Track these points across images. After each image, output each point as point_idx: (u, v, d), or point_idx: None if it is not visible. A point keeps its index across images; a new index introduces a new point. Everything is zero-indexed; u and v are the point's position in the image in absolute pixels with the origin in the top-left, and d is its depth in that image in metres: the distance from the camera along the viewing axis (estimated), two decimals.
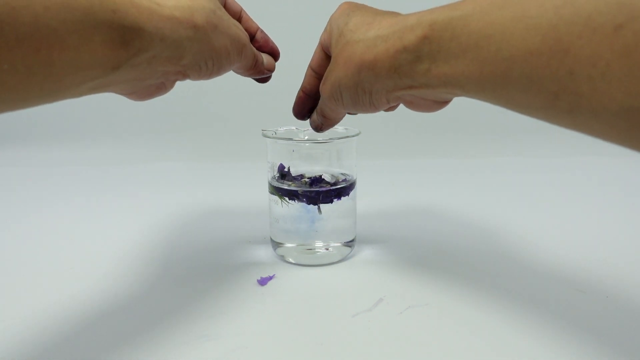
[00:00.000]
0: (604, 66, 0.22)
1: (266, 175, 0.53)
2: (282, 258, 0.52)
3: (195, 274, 0.49)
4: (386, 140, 1.05)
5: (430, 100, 0.37)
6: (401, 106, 0.40)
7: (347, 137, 0.50)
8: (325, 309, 0.42)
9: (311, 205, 0.49)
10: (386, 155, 1.00)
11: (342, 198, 0.50)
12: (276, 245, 0.52)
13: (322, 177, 0.51)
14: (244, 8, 0.45)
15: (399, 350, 0.37)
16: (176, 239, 0.58)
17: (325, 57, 0.43)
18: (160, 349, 0.37)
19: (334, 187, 0.49)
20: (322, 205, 0.49)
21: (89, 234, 0.61)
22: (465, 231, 0.61)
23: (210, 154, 1.01)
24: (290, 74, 1.07)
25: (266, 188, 0.53)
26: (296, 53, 1.14)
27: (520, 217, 0.66)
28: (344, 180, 0.51)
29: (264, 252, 0.54)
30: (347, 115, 0.44)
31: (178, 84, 0.40)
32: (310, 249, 0.51)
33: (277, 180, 0.51)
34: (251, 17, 0.45)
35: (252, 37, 0.46)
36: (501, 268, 0.50)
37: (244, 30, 0.41)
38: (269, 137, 0.50)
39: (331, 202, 0.49)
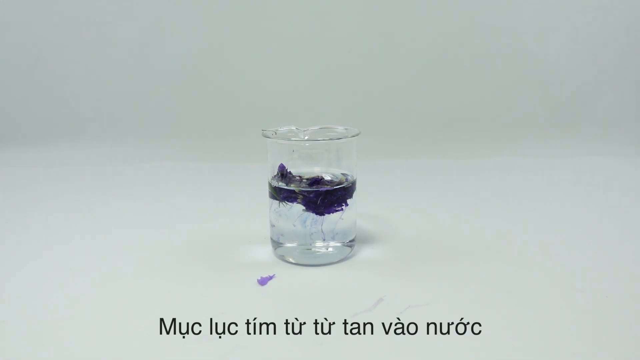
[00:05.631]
0: None
1: (266, 175, 0.53)
2: (282, 258, 0.52)
3: (195, 273, 0.49)
4: (386, 140, 1.05)
5: None
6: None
7: (347, 137, 0.50)
8: (325, 309, 0.42)
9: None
10: (386, 155, 1.00)
11: (347, 201, 0.50)
12: (276, 245, 0.52)
13: (322, 177, 0.51)
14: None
15: (399, 350, 0.37)
16: (176, 238, 0.58)
17: None
18: (160, 349, 0.37)
19: (333, 188, 0.49)
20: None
21: (88, 234, 0.61)
22: (465, 231, 0.61)
23: (210, 154, 1.01)
24: (290, 74, 1.07)
25: (266, 188, 0.53)
26: (295, 54, 1.14)
27: (520, 216, 0.66)
28: (346, 180, 0.51)
29: (264, 252, 0.54)
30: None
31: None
32: (310, 249, 0.51)
33: (277, 181, 0.51)
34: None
35: None
36: (501, 268, 0.50)
37: None
38: (269, 137, 0.50)
39: (336, 211, 0.49)
